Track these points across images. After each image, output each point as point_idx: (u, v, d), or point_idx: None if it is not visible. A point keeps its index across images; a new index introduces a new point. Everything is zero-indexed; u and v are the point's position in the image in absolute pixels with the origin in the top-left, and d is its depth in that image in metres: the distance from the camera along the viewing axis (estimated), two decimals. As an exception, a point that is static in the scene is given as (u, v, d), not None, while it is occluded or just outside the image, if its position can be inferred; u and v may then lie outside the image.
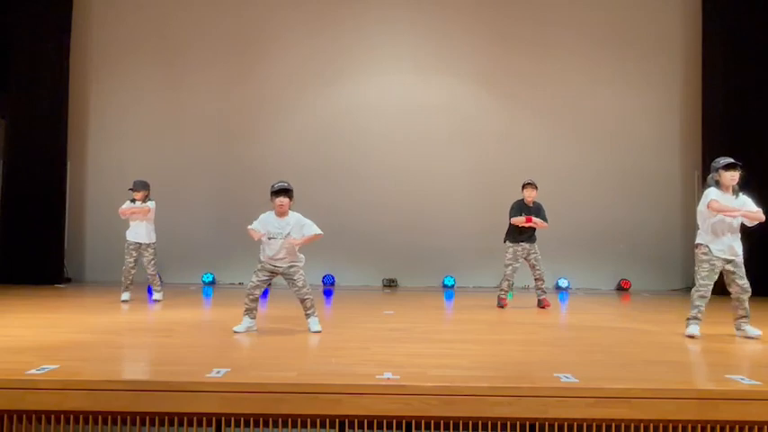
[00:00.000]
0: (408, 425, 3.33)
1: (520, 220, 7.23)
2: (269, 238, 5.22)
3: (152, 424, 3.33)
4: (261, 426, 3.33)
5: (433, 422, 3.32)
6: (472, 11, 10.54)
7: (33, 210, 9.68)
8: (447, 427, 3.32)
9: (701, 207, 5.29)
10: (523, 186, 7.37)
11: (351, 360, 4.14)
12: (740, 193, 5.26)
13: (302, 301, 5.35)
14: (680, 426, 3.30)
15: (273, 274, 5.33)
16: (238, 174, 10.24)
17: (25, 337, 4.93)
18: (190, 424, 3.33)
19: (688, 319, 5.32)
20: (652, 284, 10.20)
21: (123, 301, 7.41)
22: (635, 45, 10.42)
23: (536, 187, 7.34)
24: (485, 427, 3.31)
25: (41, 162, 9.79)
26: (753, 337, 5.20)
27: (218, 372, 3.58)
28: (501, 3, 10.61)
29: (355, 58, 10.63)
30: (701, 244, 5.28)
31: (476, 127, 10.47)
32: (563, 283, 10.22)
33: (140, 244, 7.46)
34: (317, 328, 5.31)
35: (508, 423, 3.32)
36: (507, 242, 7.37)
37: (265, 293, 8.51)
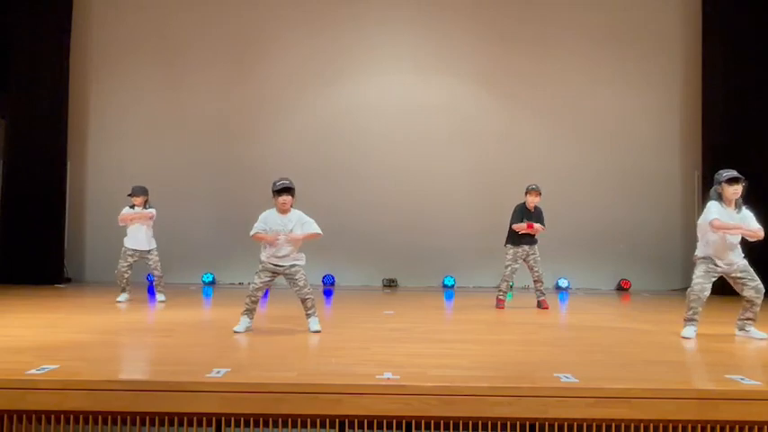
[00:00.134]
0: (408, 425, 3.33)
1: (521, 227, 7.22)
2: (275, 239, 5.22)
3: (152, 424, 3.33)
4: (261, 426, 3.33)
5: (433, 422, 3.32)
6: (472, 11, 10.54)
7: (33, 210, 9.68)
8: (447, 427, 3.32)
9: (702, 221, 5.26)
10: (527, 192, 7.35)
11: (351, 360, 4.14)
12: (743, 207, 5.22)
13: (303, 301, 5.35)
14: (680, 426, 3.30)
15: (275, 274, 5.33)
16: (238, 174, 10.24)
17: (25, 337, 4.93)
18: (190, 424, 3.33)
19: (684, 320, 5.32)
20: (652, 284, 10.20)
21: (119, 301, 7.40)
22: (635, 45, 10.42)
23: (540, 193, 7.34)
24: (485, 427, 3.31)
25: (41, 162, 9.79)
26: (758, 339, 5.18)
27: (218, 372, 3.58)
28: (501, 3, 10.62)
29: (355, 58, 10.63)
30: (700, 257, 5.29)
31: (476, 127, 10.48)
32: (563, 283, 10.22)
33: (141, 251, 7.43)
34: (317, 327, 5.31)
35: (508, 423, 3.32)
36: (508, 245, 7.38)
37: (265, 293, 8.50)
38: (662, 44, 10.47)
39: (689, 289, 5.32)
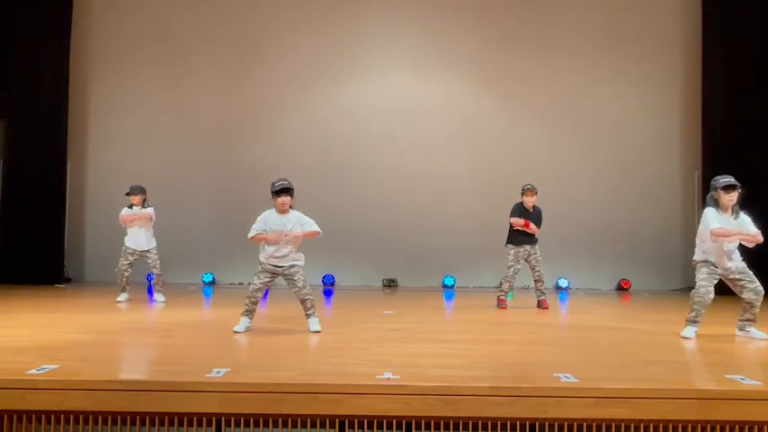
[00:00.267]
0: (408, 425, 3.32)
1: (518, 222, 7.23)
2: (277, 239, 5.22)
3: (152, 424, 3.33)
4: (261, 426, 3.33)
5: (433, 422, 3.32)
6: (472, 11, 10.54)
7: (33, 210, 9.68)
8: (447, 427, 3.32)
9: (702, 229, 5.24)
10: (523, 192, 7.34)
11: (351, 360, 4.14)
12: (740, 213, 5.20)
13: (303, 301, 5.35)
14: (680, 426, 3.30)
15: (275, 275, 5.33)
16: (239, 174, 10.24)
17: (25, 337, 4.92)
18: (190, 424, 3.33)
19: (686, 320, 5.32)
20: (652, 284, 10.20)
21: (119, 301, 7.41)
22: (635, 45, 10.42)
23: (536, 192, 7.33)
24: (485, 427, 3.31)
25: (41, 162, 9.79)
26: (758, 339, 5.18)
27: (218, 372, 3.58)
28: (500, 3, 10.62)
29: (355, 59, 10.63)
30: (699, 261, 5.28)
31: (476, 127, 10.48)
32: (563, 283, 10.22)
33: (141, 251, 7.45)
34: (317, 328, 5.31)
35: (508, 423, 3.32)
36: (509, 245, 7.38)
37: (265, 293, 8.50)
38: (662, 44, 10.47)
39: (693, 291, 5.30)
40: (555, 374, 3.63)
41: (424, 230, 10.21)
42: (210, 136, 10.49)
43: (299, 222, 5.26)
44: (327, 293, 9.13)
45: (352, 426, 3.32)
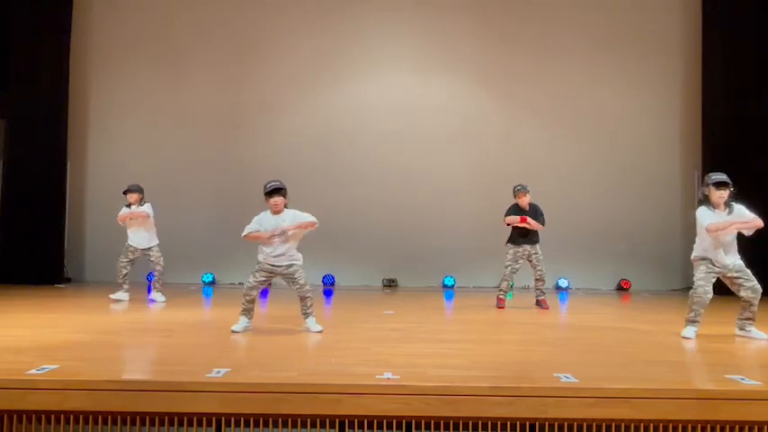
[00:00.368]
0: (408, 425, 3.32)
1: (514, 219, 7.22)
2: (270, 237, 5.21)
3: (152, 424, 3.33)
4: (261, 426, 3.33)
5: (433, 422, 3.32)
6: (472, 11, 10.54)
7: (33, 210, 9.68)
8: (447, 427, 3.32)
9: (698, 229, 5.24)
10: (515, 195, 7.32)
11: (351, 360, 4.14)
12: (733, 205, 5.17)
13: (303, 299, 5.33)
14: (680, 426, 3.30)
15: (272, 274, 5.32)
16: (239, 174, 10.23)
17: (25, 337, 4.92)
18: (190, 424, 3.33)
19: (686, 320, 5.32)
20: (652, 284, 10.20)
21: (114, 298, 7.40)
22: (635, 45, 10.42)
23: (528, 192, 7.31)
24: (485, 427, 3.31)
25: (41, 162, 9.79)
26: (758, 339, 5.17)
27: (218, 372, 3.58)
28: (500, 3, 10.62)
29: (355, 59, 10.63)
30: (698, 257, 5.28)
31: (476, 127, 10.48)
32: (563, 283, 10.22)
33: (142, 249, 7.48)
34: (318, 327, 5.31)
35: (508, 423, 3.32)
36: (509, 244, 7.38)
37: (265, 293, 8.52)
38: (662, 44, 10.47)
39: (691, 290, 5.30)
40: (555, 374, 3.63)
41: (424, 230, 10.21)
42: (210, 136, 10.49)
43: (293, 220, 5.25)
44: (327, 293, 9.13)
45: (352, 426, 3.32)
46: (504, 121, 10.51)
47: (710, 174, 5.29)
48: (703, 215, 5.16)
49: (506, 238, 7.42)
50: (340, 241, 9.84)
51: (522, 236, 7.28)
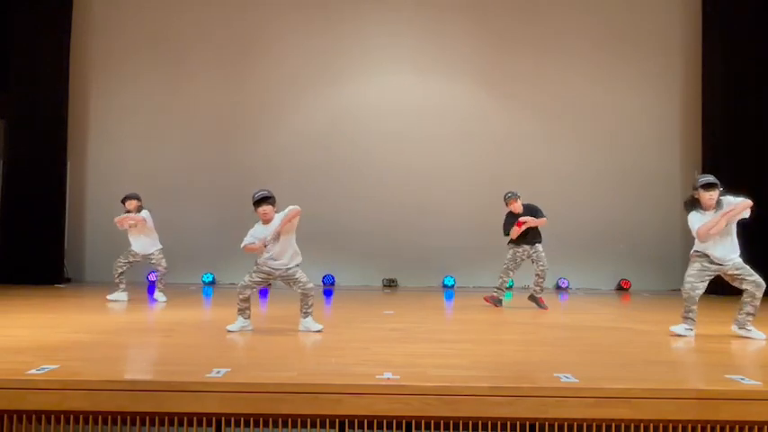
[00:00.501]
0: (408, 425, 3.32)
1: (515, 231, 7.20)
2: (264, 246, 5.22)
3: (152, 424, 3.33)
4: (261, 426, 3.33)
5: (433, 422, 3.32)
6: (471, 12, 10.54)
7: (33, 210, 9.67)
8: (447, 427, 3.32)
9: (694, 234, 5.24)
10: (507, 203, 7.33)
11: (351, 360, 4.14)
12: (721, 200, 5.12)
13: (306, 296, 5.30)
14: (680, 426, 3.30)
15: (270, 276, 5.32)
16: (239, 174, 10.22)
17: (25, 337, 4.92)
18: (190, 424, 3.33)
19: (681, 317, 5.32)
20: (652, 284, 10.20)
21: (110, 299, 7.40)
22: (635, 45, 10.42)
23: (518, 197, 7.31)
24: (485, 427, 3.31)
25: (41, 162, 9.79)
26: (757, 340, 5.16)
27: (218, 372, 3.58)
28: (500, 4, 10.61)
29: (355, 59, 10.63)
30: (698, 252, 5.28)
31: (476, 127, 10.48)
32: (563, 283, 10.22)
33: (144, 254, 7.53)
34: (317, 326, 5.31)
35: (508, 423, 3.32)
36: (510, 244, 7.39)
37: (265, 293, 8.52)
38: (662, 44, 10.47)
39: (682, 287, 5.32)
40: (555, 374, 3.63)
41: (424, 230, 10.21)
42: (210, 136, 10.49)
43: (279, 221, 5.25)
44: (327, 293, 9.13)
45: (352, 426, 3.32)
46: (503, 122, 10.51)
47: (698, 177, 5.31)
48: (693, 220, 5.17)
49: (507, 239, 7.43)
50: (340, 241, 9.84)
51: (520, 237, 7.28)
